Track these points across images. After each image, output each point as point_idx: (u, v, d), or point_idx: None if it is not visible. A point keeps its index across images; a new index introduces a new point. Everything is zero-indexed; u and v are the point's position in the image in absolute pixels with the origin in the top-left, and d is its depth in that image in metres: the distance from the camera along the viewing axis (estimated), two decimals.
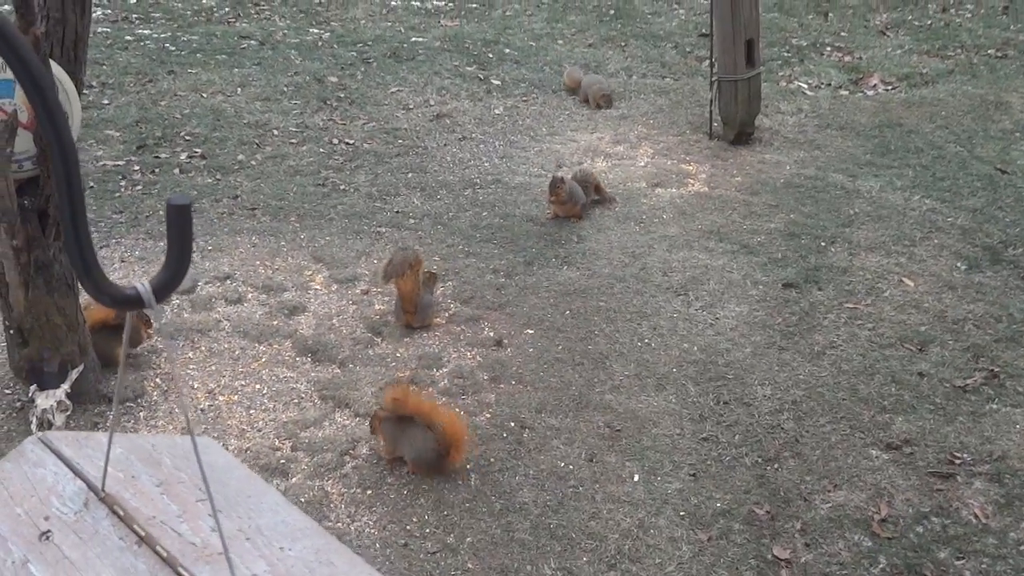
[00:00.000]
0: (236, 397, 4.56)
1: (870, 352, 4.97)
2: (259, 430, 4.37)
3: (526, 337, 5.03)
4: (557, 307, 5.27)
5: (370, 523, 3.92)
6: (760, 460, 4.31)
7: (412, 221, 6.04)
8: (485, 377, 4.73)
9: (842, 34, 9.67)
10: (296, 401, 4.56)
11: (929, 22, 10.10)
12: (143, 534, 1.21)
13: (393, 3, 10.17)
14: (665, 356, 4.92)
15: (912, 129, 7.41)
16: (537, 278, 5.51)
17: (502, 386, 4.68)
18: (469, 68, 8.44)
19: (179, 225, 1.06)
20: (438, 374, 4.76)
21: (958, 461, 4.31)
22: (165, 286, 1.08)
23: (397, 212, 6.14)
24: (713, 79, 7.19)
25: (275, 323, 5.05)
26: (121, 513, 1.24)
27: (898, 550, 3.93)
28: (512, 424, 4.45)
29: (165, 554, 1.20)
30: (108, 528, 1.23)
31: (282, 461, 4.19)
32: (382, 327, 5.04)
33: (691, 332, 5.10)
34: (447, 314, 5.18)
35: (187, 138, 6.97)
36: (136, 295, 1.06)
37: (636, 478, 4.20)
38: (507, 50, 8.89)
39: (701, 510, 4.06)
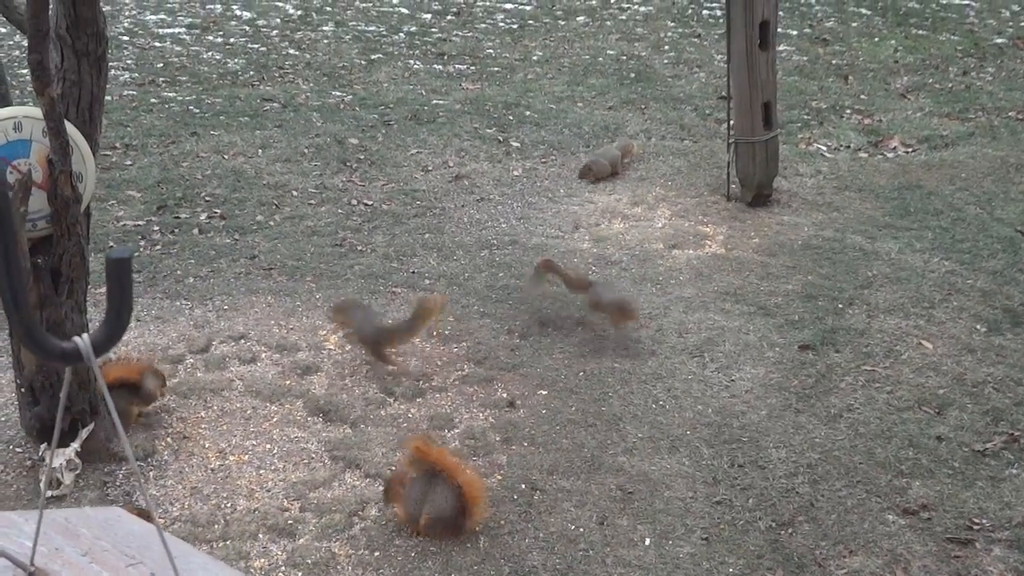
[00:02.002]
0: (246, 457, 4.55)
1: (887, 415, 4.90)
2: (268, 490, 4.35)
3: (539, 398, 5.00)
4: (571, 368, 5.24)
5: None
6: (774, 524, 4.25)
7: (428, 281, 6.04)
8: (497, 438, 4.70)
9: (862, 97, 9.68)
10: (306, 461, 4.54)
11: (950, 85, 10.10)
12: None
13: (415, 66, 10.27)
14: (679, 418, 4.88)
15: (932, 191, 7.39)
16: (552, 339, 5.49)
17: (514, 447, 4.65)
18: (489, 130, 8.49)
19: (119, 279, 1.05)
20: (450, 435, 4.73)
21: (977, 527, 4.24)
22: (105, 340, 1.07)
23: (413, 272, 6.15)
24: (731, 141, 7.20)
25: (288, 383, 5.04)
26: None
27: None
28: (523, 486, 4.41)
29: None
30: None
31: (290, 522, 4.16)
32: (394, 387, 5.02)
33: (706, 394, 5.06)
34: (460, 375, 5.16)
35: (207, 199, 7.03)
36: (74, 349, 1.05)
37: (647, 542, 4.14)
38: (527, 112, 8.95)
39: (713, 575, 3.99)
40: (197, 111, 8.66)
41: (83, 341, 1.06)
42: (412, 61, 10.49)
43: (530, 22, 12.20)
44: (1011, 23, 12.72)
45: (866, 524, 4.26)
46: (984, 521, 4.27)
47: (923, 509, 4.33)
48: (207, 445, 4.62)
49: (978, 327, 5.67)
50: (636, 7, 13.10)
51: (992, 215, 7.02)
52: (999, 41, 11.85)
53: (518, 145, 8.22)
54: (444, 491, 4.08)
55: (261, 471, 4.47)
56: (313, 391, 4.99)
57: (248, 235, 6.61)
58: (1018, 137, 8.64)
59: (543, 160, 7.93)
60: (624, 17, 12.59)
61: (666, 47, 11.30)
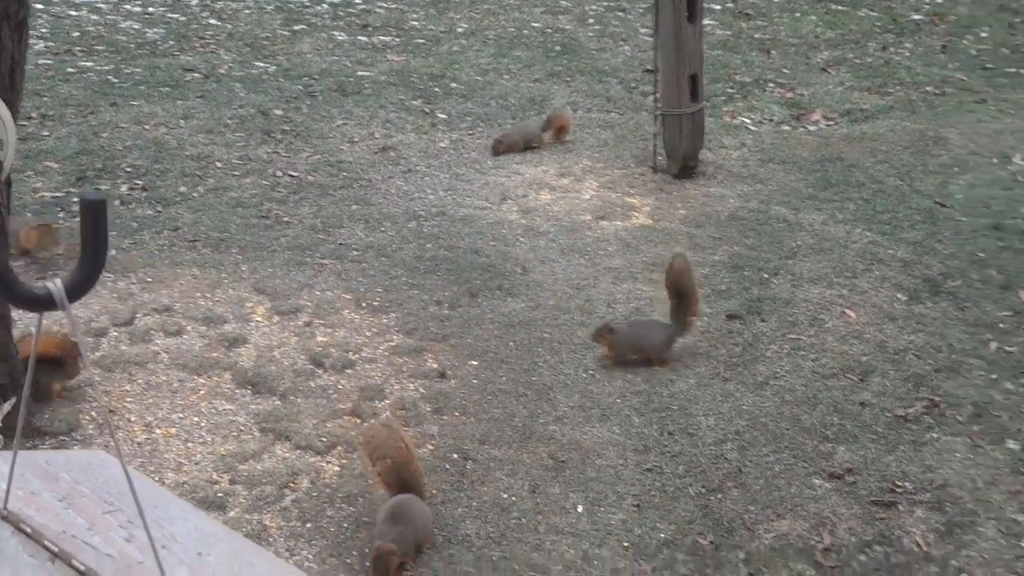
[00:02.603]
0: (174, 430, 4.48)
1: (813, 382, 4.99)
2: (197, 463, 4.30)
3: (470, 368, 4.99)
4: (501, 338, 5.24)
5: (310, 556, 3.86)
6: (704, 490, 4.30)
7: (355, 253, 6.00)
8: (428, 409, 4.69)
9: (784, 71, 9.79)
10: (235, 434, 4.49)
11: (869, 60, 10.25)
12: (55, 550, 1.16)
13: (340, 38, 10.16)
14: (609, 387, 4.91)
15: (853, 163, 7.50)
16: (482, 310, 5.49)
17: (445, 418, 4.64)
18: (415, 102, 8.44)
19: (94, 221, 1.01)
20: (380, 406, 4.70)
21: (900, 490, 4.33)
22: (79, 286, 1.03)
23: (340, 244, 6.10)
24: (657, 113, 7.23)
25: (215, 355, 4.97)
26: (28, 530, 1.19)
27: None
28: (455, 456, 4.41)
29: (83, 568, 1.15)
30: (16, 546, 1.18)
31: (220, 495, 4.11)
32: (324, 358, 4.98)
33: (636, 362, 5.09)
34: (390, 345, 5.13)
35: (128, 170, 6.89)
36: (47, 294, 1.01)
37: (580, 509, 4.17)
38: (453, 84, 8.90)
39: (645, 541, 4.03)
40: (116, 81, 8.48)
41: (56, 286, 1.02)
42: (336, 32, 10.36)
43: None
44: (927, 0, 12.94)
45: (793, 488, 4.33)
46: (907, 484, 4.36)
47: (848, 473, 4.41)
48: (133, 419, 4.54)
49: (899, 296, 5.77)
50: None
51: (911, 187, 7.15)
52: (916, 17, 12.04)
53: (444, 117, 8.18)
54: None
55: (189, 444, 4.41)
56: (241, 363, 4.93)
57: (171, 207, 6.49)
58: (935, 111, 8.81)
59: (470, 132, 7.90)
60: None
61: (591, 20, 11.30)
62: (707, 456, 4.48)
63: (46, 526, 1.18)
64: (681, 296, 5.13)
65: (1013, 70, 10.11)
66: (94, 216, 1.01)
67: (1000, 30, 11.61)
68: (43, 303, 1.01)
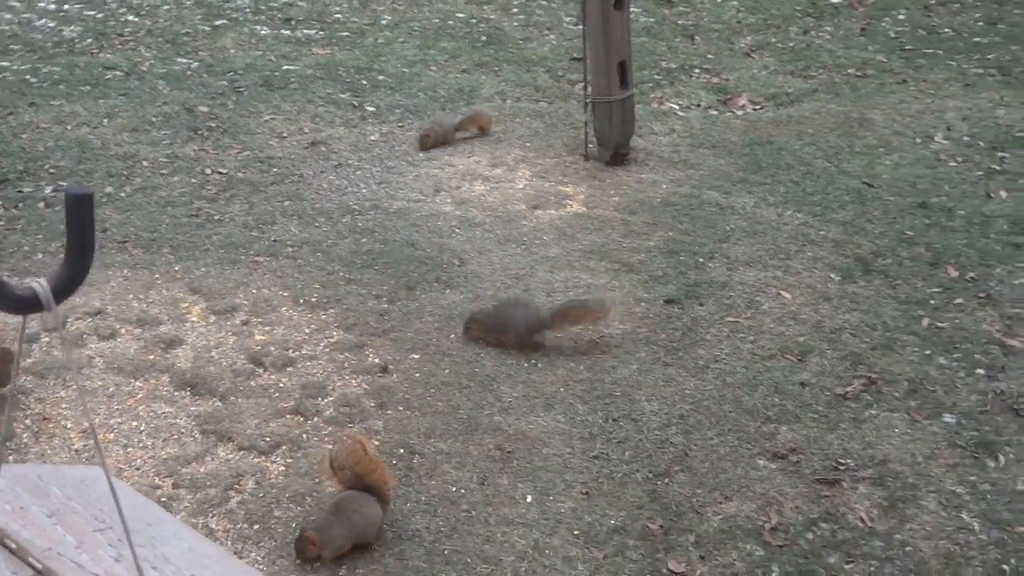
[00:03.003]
0: (112, 436, 4.40)
1: (752, 364, 5.04)
2: (138, 468, 4.23)
3: (412, 362, 4.97)
4: (442, 331, 5.22)
5: (259, 559, 3.81)
6: (651, 475, 4.32)
7: (290, 249, 5.93)
8: (371, 404, 4.66)
9: (709, 56, 9.86)
10: (176, 437, 4.42)
11: (792, 44, 10.37)
12: (39, 567, 1.12)
13: (263, 32, 10.02)
14: (552, 376, 4.92)
15: (781, 146, 7.58)
16: (420, 303, 5.46)
17: (389, 412, 4.62)
18: (343, 95, 8.36)
19: (80, 217, 0.96)
20: (323, 403, 4.67)
21: (842, 467, 4.40)
22: (66, 285, 0.98)
23: (274, 241, 6.03)
24: (587, 101, 7.25)
25: (151, 358, 4.89)
26: (13, 546, 1.15)
27: (790, 557, 3.97)
28: (401, 451, 4.39)
29: None
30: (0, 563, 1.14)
31: (163, 499, 4.04)
32: (263, 357, 4.92)
33: (576, 351, 5.11)
34: (330, 342, 5.08)
35: (51, 171, 6.74)
36: (32, 295, 0.96)
37: (529, 499, 4.17)
38: (381, 77, 8.84)
39: (595, 528, 4.05)
40: (34, 80, 8.29)
41: (42, 286, 0.96)
42: (258, 26, 10.22)
43: None
44: None
45: (739, 470, 4.37)
46: (849, 461, 4.43)
47: (792, 453, 4.46)
48: (69, 425, 4.45)
49: (832, 276, 5.85)
50: None
51: (839, 168, 7.25)
52: (835, 1, 12.19)
53: (373, 110, 8.11)
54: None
55: (129, 449, 4.34)
56: (178, 365, 4.85)
57: (98, 208, 6.35)
58: (858, 93, 8.93)
59: (400, 124, 7.85)
60: None
61: (515, 10, 11.28)
62: (652, 441, 4.51)
63: (32, 542, 1.14)
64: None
65: (931, 51, 10.28)
66: (79, 210, 0.96)
67: (916, 12, 11.81)
68: (28, 304, 0.96)
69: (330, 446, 4.23)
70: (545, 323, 5.08)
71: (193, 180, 6.76)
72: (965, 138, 7.88)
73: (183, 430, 4.45)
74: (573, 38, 10.11)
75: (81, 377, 4.73)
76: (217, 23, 10.23)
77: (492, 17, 10.91)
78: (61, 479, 1.28)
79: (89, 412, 4.53)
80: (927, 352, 5.17)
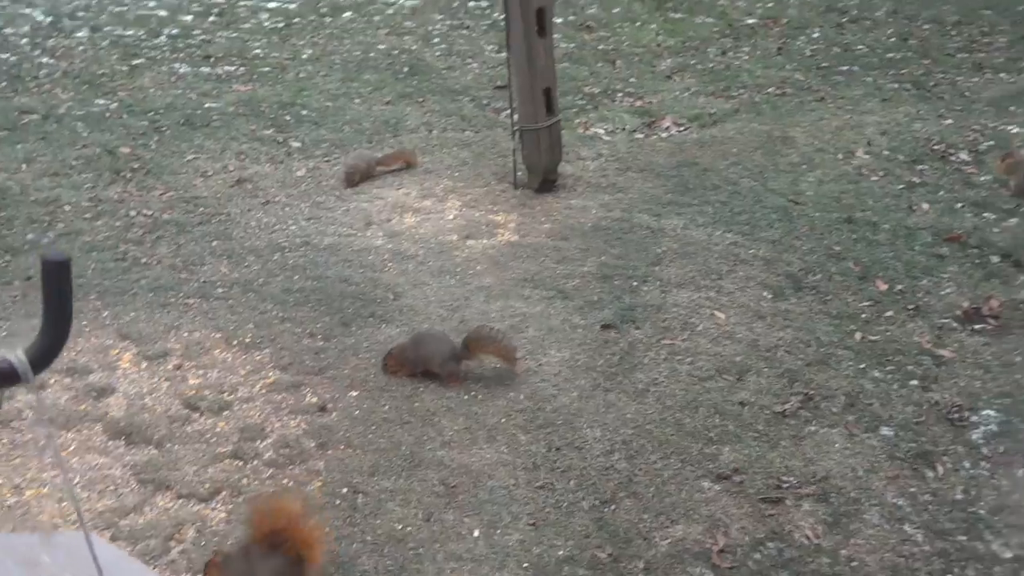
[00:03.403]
0: (46, 490, 4.29)
1: (691, 386, 5.05)
2: (74, 523, 4.11)
3: (351, 400, 4.91)
4: (379, 366, 5.17)
5: None
6: (597, 503, 4.31)
7: (221, 290, 5.85)
8: (312, 444, 4.59)
9: (631, 80, 9.95)
10: (112, 488, 4.32)
11: (711, 65, 10.51)
12: None
13: (182, 70, 9.92)
14: (492, 407, 4.89)
15: (707, 167, 7.66)
16: (357, 339, 5.41)
17: (331, 452, 4.55)
18: (267, 131, 8.29)
19: (58, 284, 0.92)
20: (262, 446, 4.59)
21: (785, 485, 4.42)
22: (43, 355, 0.94)
23: (204, 282, 5.94)
24: (515, 129, 7.26)
25: (83, 407, 4.78)
26: None
27: None
28: (345, 490, 4.33)
29: None
30: None
31: None
32: (198, 402, 4.84)
33: (516, 381, 5.09)
34: (267, 383, 5.01)
35: None
36: (8, 367, 0.91)
37: (476, 533, 4.13)
38: (304, 112, 8.78)
39: (544, 559, 4.02)
40: None
41: (19, 357, 0.92)
42: (177, 65, 10.12)
43: (296, 20, 11.98)
44: (759, 4, 13.34)
45: (684, 493, 4.37)
46: (791, 479, 4.45)
47: (735, 473, 4.48)
48: (1, 481, 4.32)
49: (765, 294, 5.91)
50: (402, 1, 13.05)
51: (765, 187, 7.34)
52: (751, 22, 12.40)
53: (299, 145, 8.06)
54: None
55: (63, 503, 4.22)
56: (111, 413, 4.75)
57: (20, 255, 6.23)
58: (779, 111, 9.07)
59: (326, 159, 7.80)
60: (391, 11, 12.52)
61: (436, 40, 11.31)
62: (597, 468, 4.50)
63: None
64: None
65: (846, 68, 10.48)
66: (57, 277, 0.92)
67: (830, 30, 12.04)
68: (5, 377, 0.91)
69: (270, 490, 4.17)
70: (459, 353, 5.05)
71: (118, 223, 6.64)
72: (885, 152, 8.03)
73: (119, 480, 4.35)
74: (496, 66, 10.16)
75: (10, 431, 4.60)
76: (135, 62, 10.12)
77: (413, 48, 10.92)
78: (50, 548, 1.24)
79: (68, 480, 4.40)
80: (861, 366, 5.24)
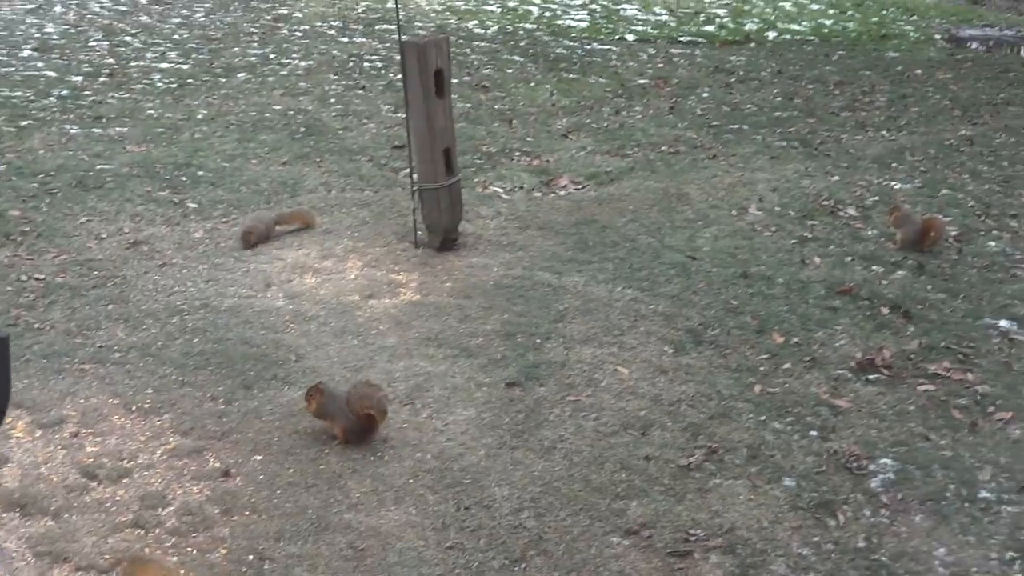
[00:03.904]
0: None
1: (597, 441, 5.09)
2: None
3: (255, 464, 4.83)
4: (283, 429, 5.10)
5: None
6: (507, 561, 4.29)
7: (118, 355, 5.72)
8: (216, 511, 4.50)
9: (528, 139, 10.08)
10: (6, 562, 4.16)
11: (606, 124, 10.70)
12: None
13: (72, 131, 9.75)
14: (400, 468, 4.85)
15: (606, 224, 7.77)
16: (259, 401, 5.33)
17: (235, 518, 4.46)
18: (163, 193, 8.18)
19: None
20: (164, 514, 4.48)
21: (693, 538, 4.46)
22: None
23: (100, 347, 5.81)
24: (414, 188, 7.29)
25: None
26: None
27: None
28: (251, 557, 4.24)
29: None
30: None
31: None
32: (97, 470, 4.71)
33: (422, 441, 5.06)
34: (167, 448, 4.90)
35: None
36: None
37: None
38: (200, 172, 8.70)
39: None
40: None
41: None
42: (68, 126, 9.95)
43: (190, 81, 11.89)
44: (650, 65, 13.67)
45: (593, 549, 4.38)
46: (698, 532, 4.50)
47: (643, 528, 4.51)
48: None
49: (666, 349, 5.99)
50: (297, 62, 13.06)
51: (663, 243, 7.47)
52: (642, 82, 12.69)
53: (196, 206, 7.96)
54: None
55: None
56: (5, 484, 4.59)
57: None
58: (673, 169, 9.26)
59: (224, 220, 7.72)
60: (286, 72, 12.52)
61: (332, 100, 11.32)
62: (506, 527, 4.49)
63: None
64: None
65: (735, 126, 10.78)
66: None
67: (718, 90, 12.38)
68: None
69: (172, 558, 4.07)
70: (345, 408, 5.00)
71: (8, 288, 6.47)
72: (776, 208, 8.25)
73: (14, 554, 4.20)
74: (393, 126, 10.21)
75: None
76: (23, 123, 9.92)
77: (310, 108, 10.92)
78: None
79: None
80: (762, 418, 5.33)
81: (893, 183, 9.04)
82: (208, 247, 7.23)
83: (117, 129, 9.88)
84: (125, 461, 4.79)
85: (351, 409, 4.98)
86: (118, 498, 4.55)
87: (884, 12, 17.68)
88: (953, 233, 7.89)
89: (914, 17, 17.27)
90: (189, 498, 4.57)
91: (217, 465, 4.80)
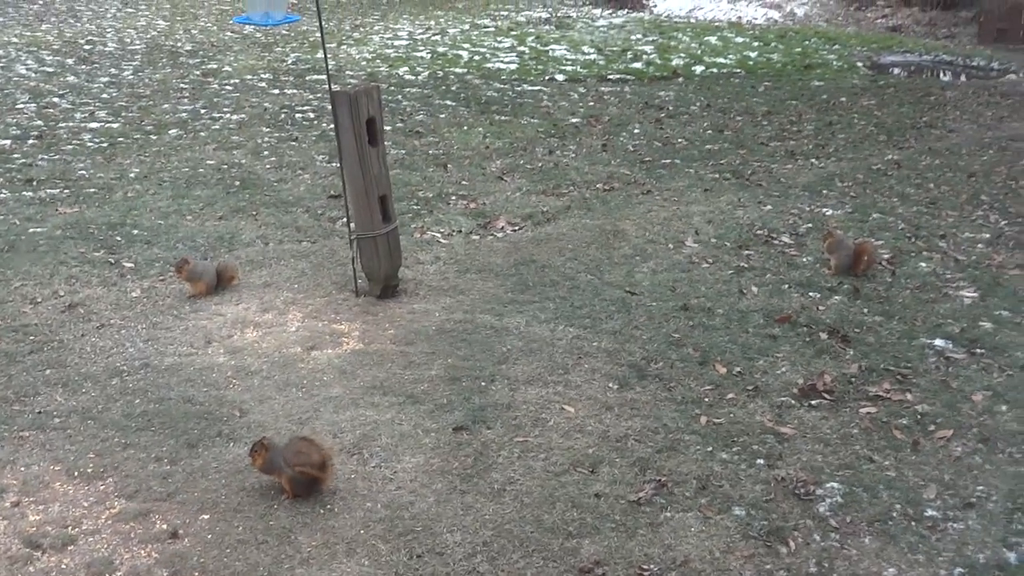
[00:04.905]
0: None
1: (547, 481, 5.09)
2: None
3: (203, 523, 4.77)
4: (230, 486, 5.05)
5: None
6: None
7: (58, 420, 5.63)
8: (165, 574, 4.43)
9: (463, 183, 10.12)
10: None
11: (540, 164, 10.78)
12: None
13: (2, 195, 9.63)
14: (350, 519, 4.82)
15: (545, 264, 7.82)
16: (204, 460, 5.27)
17: None
18: (97, 253, 8.10)
19: None
20: None
21: (647, 573, 4.47)
22: None
23: (39, 412, 5.71)
24: (352, 238, 7.28)
25: None
26: None
27: None
28: None
29: None
30: None
31: None
32: (40, 539, 4.62)
33: (372, 490, 5.04)
34: (112, 513, 4.82)
35: None
36: None
37: None
38: (135, 231, 8.62)
39: None
40: None
41: None
42: None
43: (120, 140, 11.81)
44: (581, 104, 13.80)
45: None
46: (652, 566, 4.51)
47: (597, 565, 4.51)
48: None
49: (611, 385, 6.02)
50: (228, 116, 13.02)
51: (602, 280, 7.53)
52: (574, 121, 12.81)
53: (131, 265, 7.89)
54: None
55: None
56: None
57: None
58: (609, 206, 9.35)
59: (161, 278, 7.65)
60: (218, 127, 12.47)
61: (266, 152, 11.30)
62: (459, 573, 4.47)
63: None
64: None
65: (668, 160, 10.91)
66: None
67: (649, 126, 12.54)
68: None
69: None
70: (286, 461, 4.96)
71: None
72: (712, 240, 8.35)
73: None
74: (328, 176, 10.21)
75: None
76: None
77: (243, 162, 10.88)
78: None
79: None
80: (709, 449, 5.37)
81: (824, 210, 9.19)
82: (146, 306, 7.16)
83: (48, 191, 9.78)
84: (70, 528, 4.71)
85: (289, 465, 4.94)
86: (64, 567, 4.47)
87: (807, 43, 18.02)
88: (885, 256, 8.04)
89: (836, 46, 17.62)
90: (137, 562, 4.50)
91: (164, 527, 4.73)
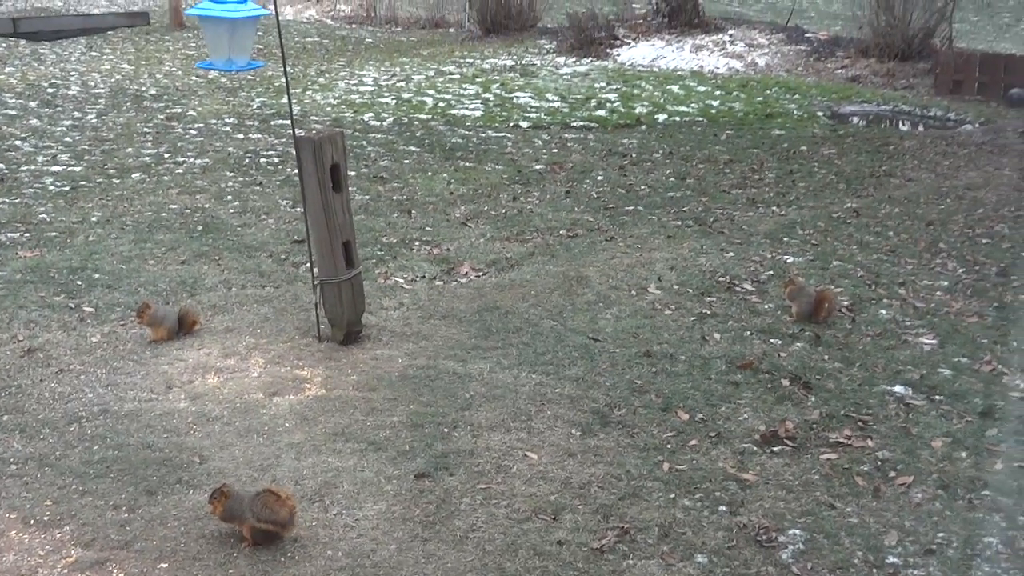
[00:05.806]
0: None
1: (509, 529, 5.07)
2: None
3: (161, 572, 4.71)
4: (189, 534, 5.00)
5: None
6: None
7: (14, 467, 5.56)
8: None
9: (427, 228, 10.14)
10: None
11: (504, 210, 10.82)
12: None
13: None
14: (311, 568, 4.78)
15: (508, 310, 7.83)
16: (163, 507, 5.22)
17: None
18: (57, 298, 8.03)
19: None
20: None
21: None
22: None
23: None
24: (316, 283, 7.27)
25: None
26: None
27: None
28: None
29: None
30: None
31: None
32: None
33: (333, 538, 5.00)
34: (68, 562, 4.75)
35: None
36: None
37: None
38: (96, 275, 8.56)
39: None
40: None
41: None
42: None
43: (83, 183, 11.75)
44: (544, 151, 13.89)
45: None
46: None
47: None
48: None
49: (574, 431, 6.03)
50: (192, 160, 12.99)
51: (565, 326, 7.55)
52: (538, 167, 12.88)
53: (92, 310, 7.83)
54: None
55: None
56: None
57: None
58: (572, 252, 9.39)
59: (122, 323, 7.59)
60: (181, 171, 12.44)
61: (229, 197, 11.27)
62: None
63: None
64: None
65: (631, 207, 10.98)
66: None
67: (612, 173, 12.62)
68: None
69: None
70: (248, 512, 4.91)
71: None
72: (675, 287, 8.40)
73: None
74: (292, 221, 10.20)
75: None
76: None
77: (207, 206, 10.85)
78: None
79: None
80: (671, 496, 5.38)
81: (786, 257, 9.27)
82: (106, 351, 7.09)
83: (8, 235, 9.70)
84: None
85: (258, 520, 4.89)
86: None
87: (768, 92, 18.25)
88: (846, 303, 8.11)
89: (797, 96, 17.85)
90: None
91: None
